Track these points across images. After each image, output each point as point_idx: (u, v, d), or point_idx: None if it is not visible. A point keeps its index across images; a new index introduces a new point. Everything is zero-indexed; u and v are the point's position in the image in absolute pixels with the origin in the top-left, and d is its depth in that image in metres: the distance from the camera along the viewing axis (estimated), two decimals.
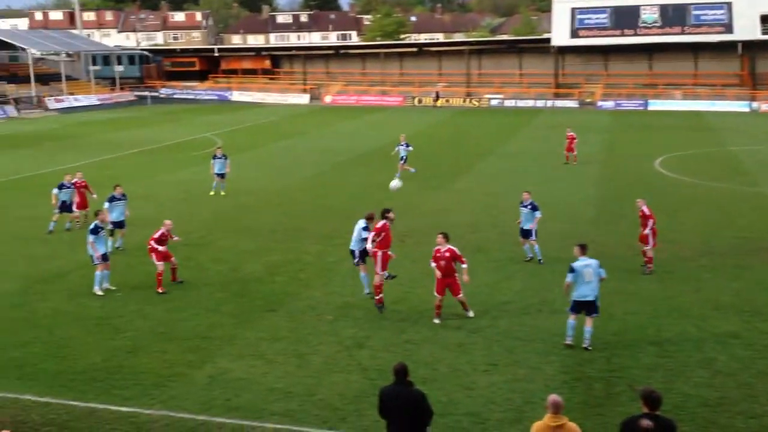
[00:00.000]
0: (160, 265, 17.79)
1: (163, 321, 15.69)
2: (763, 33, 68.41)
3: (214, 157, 29.72)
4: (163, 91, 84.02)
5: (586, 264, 14.26)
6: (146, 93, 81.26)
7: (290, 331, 15.20)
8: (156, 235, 18.25)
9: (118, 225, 21.62)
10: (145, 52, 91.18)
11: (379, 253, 16.37)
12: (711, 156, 39.26)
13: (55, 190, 23.61)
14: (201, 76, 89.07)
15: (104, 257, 17.59)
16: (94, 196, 24.64)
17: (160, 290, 17.53)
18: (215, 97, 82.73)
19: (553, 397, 8.56)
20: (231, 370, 13.30)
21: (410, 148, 33.24)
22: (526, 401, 12.18)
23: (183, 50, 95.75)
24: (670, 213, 25.61)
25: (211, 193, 29.29)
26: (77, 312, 16.19)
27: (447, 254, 15.57)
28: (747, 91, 70.22)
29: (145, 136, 49.49)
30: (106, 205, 21.29)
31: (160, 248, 18.01)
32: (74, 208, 23.88)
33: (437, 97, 75.23)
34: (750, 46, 70.35)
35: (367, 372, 13.26)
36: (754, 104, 67.10)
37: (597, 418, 11.65)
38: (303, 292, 17.61)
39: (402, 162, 32.68)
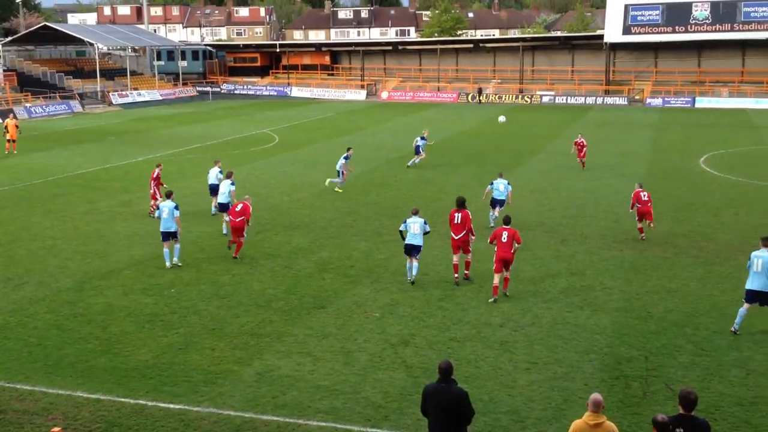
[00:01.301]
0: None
1: (215, 317, 16.03)
2: None
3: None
4: (224, 87, 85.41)
5: (759, 255, 14.73)
6: (208, 88, 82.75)
7: (338, 328, 15.39)
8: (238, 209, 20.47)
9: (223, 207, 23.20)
10: (208, 48, 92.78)
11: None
12: (754, 154, 38.46)
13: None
14: (262, 71, 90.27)
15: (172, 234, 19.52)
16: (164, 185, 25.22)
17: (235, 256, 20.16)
18: (275, 93, 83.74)
19: (595, 396, 8.60)
20: (279, 367, 13.52)
21: (426, 142, 35.67)
22: (565, 399, 12.23)
23: (245, 46, 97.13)
24: (713, 211, 25.50)
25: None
26: (130, 308, 16.64)
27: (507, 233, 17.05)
28: None
29: (204, 132, 50.48)
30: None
31: (237, 220, 20.11)
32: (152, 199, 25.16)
33: (480, 93, 74.82)
34: None
35: (411, 370, 13.37)
36: None
37: (633, 417, 11.70)
38: (351, 289, 17.79)
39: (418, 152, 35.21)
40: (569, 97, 73.29)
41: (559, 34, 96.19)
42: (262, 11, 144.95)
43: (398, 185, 30.97)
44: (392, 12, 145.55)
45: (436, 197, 28.43)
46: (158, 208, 20.95)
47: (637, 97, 72.12)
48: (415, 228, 18.08)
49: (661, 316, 15.86)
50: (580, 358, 13.82)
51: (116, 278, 18.79)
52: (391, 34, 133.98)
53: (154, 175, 25.29)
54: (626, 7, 73.63)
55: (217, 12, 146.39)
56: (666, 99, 69.86)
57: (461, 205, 18.19)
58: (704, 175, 32.64)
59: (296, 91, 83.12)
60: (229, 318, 15.96)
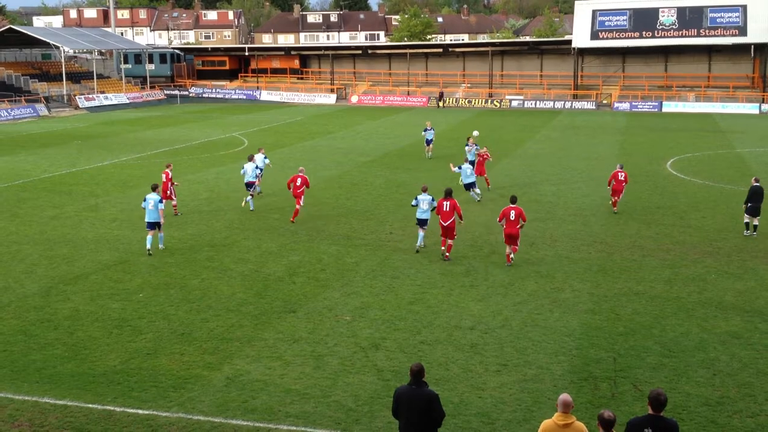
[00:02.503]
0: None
1: (184, 322, 15.89)
2: None
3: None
4: (193, 90, 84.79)
5: None
6: (176, 92, 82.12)
7: (308, 332, 15.35)
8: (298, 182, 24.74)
9: (249, 186, 26.83)
10: (176, 51, 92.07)
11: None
12: (720, 158, 39.14)
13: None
14: (231, 75, 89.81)
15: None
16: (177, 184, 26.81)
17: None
18: (243, 97, 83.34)
19: (564, 396, 8.70)
20: (248, 372, 13.45)
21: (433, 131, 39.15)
22: (535, 401, 12.33)
23: (214, 49, 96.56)
24: (680, 214, 25.99)
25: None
26: (98, 313, 16.43)
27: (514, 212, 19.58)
28: (758, 93, 70.11)
29: (172, 135, 50.07)
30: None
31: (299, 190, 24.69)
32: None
33: (441, 98, 75.27)
34: (762, 48, 70.14)
35: (382, 373, 13.38)
36: (764, 106, 67.05)
37: None
38: (322, 293, 17.76)
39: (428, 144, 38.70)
40: (538, 102, 73.97)
41: (527, 39, 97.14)
42: (231, 15, 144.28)
43: (368, 189, 30.99)
44: (362, 16, 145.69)
45: (406, 201, 28.42)
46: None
47: (605, 102, 73.07)
48: (424, 204, 20.91)
49: (629, 318, 16.06)
50: (550, 360, 13.94)
51: (83, 283, 18.55)
52: (360, 39, 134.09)
53: (170, 177, 25.92)
54: (594, 12, 74.66)
55: (185, 15, 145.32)
56: (633, 103, 70.76)
57: (449, 194, 20.36)
58: (671, 179, 33.13)
59: (265, 95, 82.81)
60: (198, 323, 15.83)
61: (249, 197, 26.82)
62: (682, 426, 11.14)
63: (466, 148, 32.01)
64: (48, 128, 55.70)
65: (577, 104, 72.68)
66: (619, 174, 25.93)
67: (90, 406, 12.13)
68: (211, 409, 12.05)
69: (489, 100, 75.75)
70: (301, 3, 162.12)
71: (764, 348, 14.46)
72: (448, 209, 20.03)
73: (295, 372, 13.44)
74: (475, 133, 34.23)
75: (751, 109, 67.26)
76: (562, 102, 73.36)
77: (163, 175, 26.16)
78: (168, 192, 25.57)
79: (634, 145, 44.61)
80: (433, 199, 20.99)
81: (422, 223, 21.16)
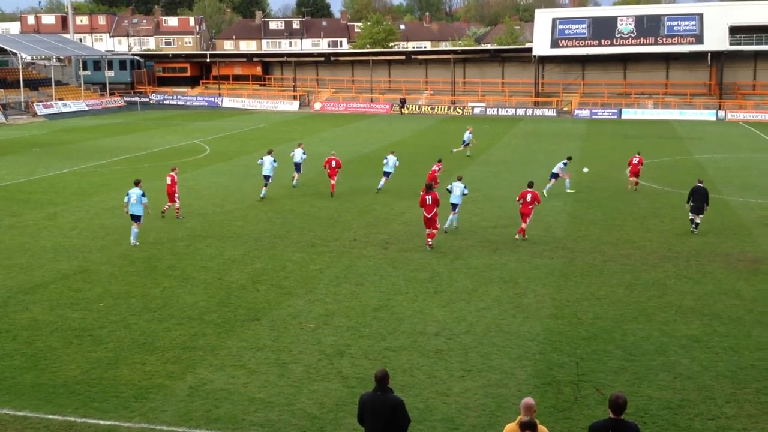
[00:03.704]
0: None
1: (146, 331, 15.66)
2: (732, 44, 69.74)
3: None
4: (153, 97, 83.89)
5: None
6: (136, 99, 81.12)
7: (272, 339, 15.24)
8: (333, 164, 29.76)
9: (266, 178, 29.78)
10: (137, 57, 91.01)
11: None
12: (678, 164, 39.88)
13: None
14: (192, 81, 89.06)
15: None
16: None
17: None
18: (205, 104, 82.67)
19: (527, 400, 8.78)
20: (212, 381, 13.30)
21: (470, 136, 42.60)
22: (499, 406, 12.39)
23: (175, 55, 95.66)
24: (640, 219, 26.43)
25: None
26: (57, 323, 16.11)
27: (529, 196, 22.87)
28: (714, 100, 71.77)
29: (133, 143, 49.42)
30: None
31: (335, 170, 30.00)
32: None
33: (403, 104, 75.61)
34: (718, 56, 71.68)
35: (347, 380, 13.33)
36: (721, 113, 68.73)
37: (566, 422, 11.94)
38: (286, 300, 17.66)
39: (465, 144, 42.01)
40: (500, 109, 74.63)
41: (489, 46, 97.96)
42: (192, 21, 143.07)
43: (331, 196, 30.88)
44: (324, 23, 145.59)
45: (370, 207, 28.50)
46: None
47: (565, 109, 73.99)
48: (456, 191, 24.01)
49: (590, 323, 16.23)
50: (514, 365, 14.03)
51: (42, 293, 18.18)
52: (323, 46, 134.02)
53: (175, 179, 26.26)
54: (554, 20, 75.65)
55: (145, 21, 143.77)
56: (593, 110, 71.80)
57: (429, 188, 22.21)
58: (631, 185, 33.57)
59: (227, 102, 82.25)
60: (160, 332, 15.62)
61: (264, 188, 29.86)
62: (644, 429, 11.31)
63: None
64: (5, 136, 54.58)
65: (539, 111, 73.53)
66: (634, 159, 31.65)
67: (50, 417, 11.88)
68: (173, 419, 11.88)
69: (451, 107, 76.23)
70: (263, 10, 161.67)
71: (723, 351, 14.71)
72: (430, 202, 21.85)
73: (259, 380, 13.33)
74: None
75: (708, 115, 68.75)
76: (524, 109, 74.14)
77: (168, 179, 26.28)
78: (175, 195, 26.11)
79: (594, 151, 45.24)
80: (465, 187, 24.28)
81: (453, 207, 24.20)
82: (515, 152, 44.57)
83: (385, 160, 31.96)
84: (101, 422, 11.75)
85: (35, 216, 26.89)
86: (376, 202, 29.44)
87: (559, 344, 15.01)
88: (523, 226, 23.26)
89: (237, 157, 42.80)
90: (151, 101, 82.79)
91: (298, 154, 32.89)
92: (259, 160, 30.45)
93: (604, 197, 30.43)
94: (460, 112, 74.91)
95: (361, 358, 14.33)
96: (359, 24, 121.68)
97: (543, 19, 76.87)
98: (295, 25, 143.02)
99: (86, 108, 74.45)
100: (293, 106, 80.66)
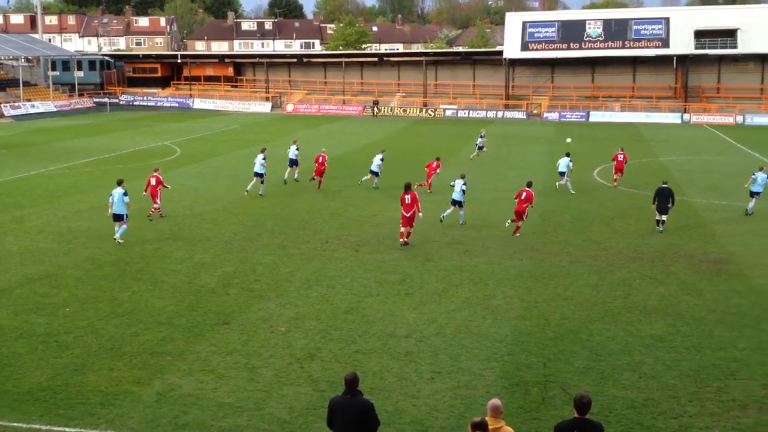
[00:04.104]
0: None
1: (113, 336, 15.51)
2: (697, 48, 70.91)
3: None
4: (123, 98, 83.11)
5: None
6: (105, 100, 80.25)
7: (242, 344, 15.17)
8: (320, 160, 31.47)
9: (257, 176, 31.02)
10: (106, 58, 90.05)
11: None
12: (644, 166, 40.39)
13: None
14: (163, 82, 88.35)
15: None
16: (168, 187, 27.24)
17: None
18: (176, 105, 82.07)
19: (493, 401, 8.87)
20: (180, 386, 13.21)
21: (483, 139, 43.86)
22: (468, 407, 12.46)
23: (145, 56, 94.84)
24: (606, 221, 26.78)
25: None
26: (23, 328, 15.88)
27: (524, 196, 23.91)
28: (680, 103, 72.90)
29: (102, 144, 48.91)
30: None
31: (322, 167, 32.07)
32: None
33: (374, 105, 75.76)
34: (684, 60, 72.88)
35: (317, 384, 13.33)
36: (686, 116, 69.90)
37: (533, 422, 12.07)
38: (256, 304, 17.60)
39: (479, 150, 43.04)
40: (471, 111, 75.07)
41: (460, 49, 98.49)
42: (163, 21, 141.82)
43: (303, 198, 30.87)
44: (297, 24, 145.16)
45: (342, 209, 28.51)
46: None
47: (535, 112, 74.64)
48: (457, 187, 25.34)
49: (558, 323, 16.41)
50: (483, 366, 14.13)
51: (7, 298, 17.91)
52: (295, 47, 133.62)
53: (160, 180, 26.54)
54: (524, 24, 76.39)
55: (115, 21, 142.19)
56: (562, 113, 72.56)
57: (408, 188, 22.54)
58: (598, 187, 34.02)
59: (199, 103, 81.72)
60: (128, 337, 15.48)
61: (251, 184, 31.07)
62: (609, 428, 11.45)
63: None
64: None
65: (509, 114, 74.06)
66: (619, 155, 33.04)
67: (15, 424, 11.73)
68: (141, 426, 11.79)
69: (423, 109, 76.48)
70: (235, 10, 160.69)
71: (686, 350, 14.96)
72: (409, 201, 22.36)
73: (228, 385, 13.28)
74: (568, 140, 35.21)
75: (673, 118, 69.80)
76: (494, 111, 74.67)
77: (153, 179, 26.48)
78: (157, 197, 26.37)
79: (563, 153, 45.52)
80: (464, 184, 25.53)
81: (454, 202, 25.52)
82: (486, 154, 44.78)
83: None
84: (67, 429, 11.62)
85: (1, 219, 26.51)
86: (348, 204, 29.45)
87: (527, 345, 15.15)
88: (516, 224, 24.25)
89: (208, 159, 42.56)
90: (121, 102, 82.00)
91: (292, 151, 34.66)
92: (256, 158, 31.58)
93: (572, 199, 30.73)
94: (432, 114, 75.24)
95: (331, 361, 14.33)
96: (332, 26, 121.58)
97: (513, 22, 77.65)
98: (268, 26, 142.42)
99: (55, 109, 73.50)
100: (265, 107, 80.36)
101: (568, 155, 33.57)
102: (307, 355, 14.60)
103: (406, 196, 22.43)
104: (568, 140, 34.93)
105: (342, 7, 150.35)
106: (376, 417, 9.38)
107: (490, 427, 8.66)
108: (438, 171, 31.99)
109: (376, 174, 33.26)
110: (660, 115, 70.74)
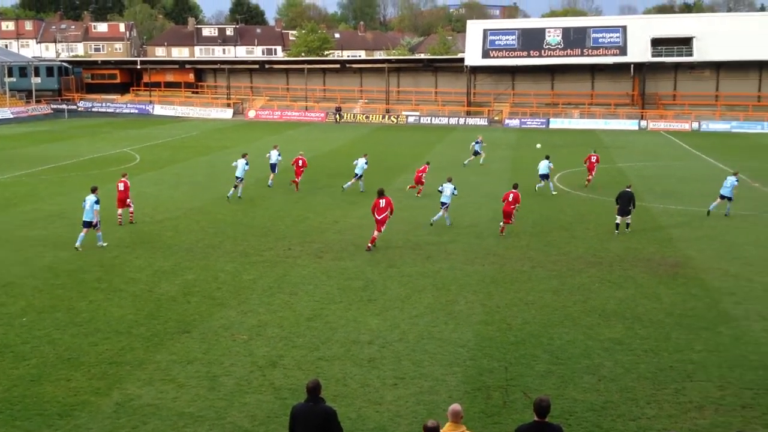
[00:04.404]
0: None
1: (71, 346, 15.25)
2: (654, 55, 72.40)
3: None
4: (82, 104, 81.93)
5: None
6: (63, 106, 79.03)
7: (203, 352, 15.03)
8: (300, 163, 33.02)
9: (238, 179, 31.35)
10: (65, 64, 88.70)
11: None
12: (603, 173, 40.82)
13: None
14: (122, 88, 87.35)
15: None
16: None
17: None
18: (136, 111, 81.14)
19: (454, 407, 8.94)
20: (139, 396, 13.04)
21: (481, 144, 44.33)
22: (430, 413, 12.47)
23: (104, 62, 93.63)
24: (566, 226, 27.14)
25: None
26: None
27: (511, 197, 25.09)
28: (637, 110, 74.31)
29: (60, 151, 48.11)
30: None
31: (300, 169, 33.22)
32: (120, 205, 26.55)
33: (337, 112, 75.83)
34: (641, 67, 74.27)
35: (280, 391, 13.26)
36: (643, 123, 71.32)
37: (494, 426, 12.16)
38: (218, 312, 17.44)
39: (475, 155, 43.37)
40: (433, 118, 75.48)
41: (422, 56, 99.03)
42: (122, 27, 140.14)
43: (266, 205, 30.72)
44: (258, 31, 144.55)
45: (304, 216, 28.42)
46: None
47: (496, 118, 75.32)
48: (446, 191, 26.30)
49: (519, 328, 16.55)
50: (445, 371, 14.18)
51: None
52: (257, 53, 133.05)
53: (128, 185, 26.52)
54: (485, 31, 77.16)
55: (73, 27, 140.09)
56: (523, 120, 73.36)
57: (381, 194, 23.13)
58: (558, 193, 34.41)
59: (159, 109, 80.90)
60: (86, 347, 15.23)
61: (233, 188, 31.55)
62: (569, 431, 11.60)
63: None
64: None
65: (471, 121, 74.65)
66: (592, 157, 35.63)
67: None
68: None
69: (386, 116, 76.69)
70: (196, 16, 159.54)
71: (644, 353, 15.19)
72: (383, 205, 22.90)
73: (188, 394, 13.14)
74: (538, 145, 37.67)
75: (631, 125, 71.07)
76: (456, 118, 75.15)
77: (121, 185, 26.44)
78: (128, 200, 26.40)
79: (523, 160, 46.04)
80: (454, 188, 26.53)
81: (443, 205, 26.49)
82: (447, 161, 45.06)
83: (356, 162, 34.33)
84: None
85: None
86: (310, 211, 29.37)
87: (489, 350, 15.25)
88: (502, 224, 25.27)
89: (168, 166, 42.13)
90: (80, 109, 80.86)
91: (273, 156, 35.24)
92: (234, 163, 32.15)
93: (533, 204, 31.03)
94: (395, 120, 75.49)
95: (294, 368, 14.26)
96: (294, 32, 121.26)
97: (474, 30, 78.40)
98: (229, 32, 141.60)
99: (11, 116, 72.15)
100: (227, 113, 79.84)
101: (547, 158, 34.56)
102: (269, 362, 14.52)
103: (380, 201, 22.90)
104: (538, 146, 35.77)
105: (304, 14, 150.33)
106: (338, 424, 9.37)
107: None
108: (425, 173, 33.20)
109: (359, 177, 33.70)
110: (618, 121, 71.95)
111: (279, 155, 35.46)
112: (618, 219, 25.58)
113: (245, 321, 16.84)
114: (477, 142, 44.57)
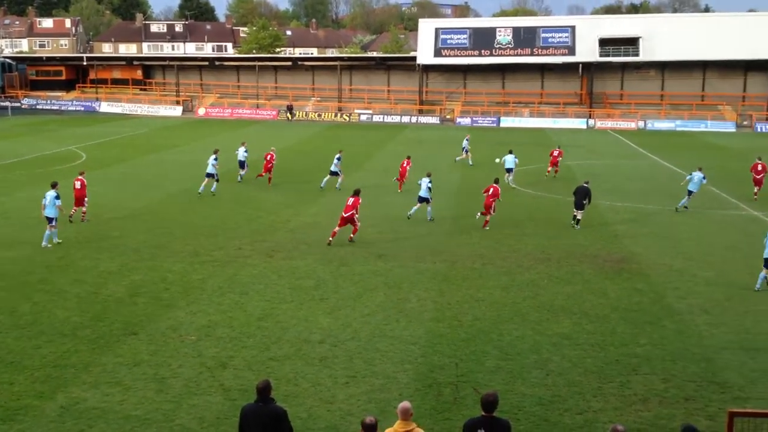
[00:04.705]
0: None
1: (13, 349, 14.86)
2: (601, 55, 73.76)
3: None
4: (26, 102, 79.96)
5: None
6: (6, 103, 76.97)
7: (151, 354, 14.79)
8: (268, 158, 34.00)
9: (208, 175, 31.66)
10: (8, 60, 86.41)
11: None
12: (543, 171, 41.46)
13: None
14: (68, 85, 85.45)
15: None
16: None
17: None
18: (82, 108, 79.49)
19: (403, 404, 8.93)
20: (85, 400, 12.77)
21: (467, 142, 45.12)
22: (382, 411, 12.46)
23: (49, 58, 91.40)
24: (516, 224, 27.53)
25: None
26: None
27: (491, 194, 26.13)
28: (585, 109, 75.60)
29: (3, 150, 46.80)
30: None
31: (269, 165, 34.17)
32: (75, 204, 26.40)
33: (289, 110, 75.54)
34: (589, 67, 75.54)
35: (229, 392, 13.13)
36: (591, 121, 72.61)
37: (445, 422, 12.23)
38: (166, 313, 17.19)
39: (465, 153, 44.00)
40: (386, 116, 75.62)
41: (375, 54, 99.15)
42: (68, 22, 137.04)
43: (216, 204, 30.37)
44: (208, 27, 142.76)
45: (255, 215, 28.19)
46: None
47: (448, 117, 75.79)
48: (423, 185, 26.93)
49: (470, 324, 16.69)
50: (397, 369, 14.22)
51: None
52: (207, 50, 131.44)
53: (85, 183, 26.32)
54: (437, 30, 77.54)
55: (18, 23, 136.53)
56: (474, 118, 74.00)
57: (357, 193, 23.86)
58: (509, 191, 34.65)
59: (106, 107, 79.40)
60: (29, 349, 14.86)
61: (203, 185, 31.68)
62: (517, 425, 11.73)
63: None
64: None
65: (423, 119, 74.97)
66: (555, 152, 38.37)
67: None
68: None
69: (338, 114, 76.55)
70: (144, 12, 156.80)
71: (591, 347, 15.47)
72: (351, 204, 23.44)
73: (135, 397, 12.92)
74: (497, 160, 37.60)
75: (579, 124, 72.32)
76: (409, 116, 75.42)
77: (78, 183, 26.26)
78: (84, 199, 26.25)
79: (474, 158, 46.42)
80: (430, 182, 27.06)
81: (420, 199, 27.10)
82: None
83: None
84: None
85: None
86: (262, 210, 29.15)
87: (440, 347, 15.34)
88: (480, 215, 26.23)
89: (115, 164, 41.36)
90: (23, 106, 78.92)
91: (241, 153, 35.59)
92: (209, 159, 32.13)
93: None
94: (347, 118, 75.40)
95: (244, 369, 14.13)
96: (245, 29, 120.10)
97: (426, 28, 78.70)
98: (178, 28, 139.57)
99: None
100: (176, 111, 78.74)
101: (511, 152, 35.83)
102: (218, 363, 14.36)
103: (350, 199, 23.54)
104: (497, 160, 36.39)
105: (255, 11, 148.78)
106: (289, 424, 9.33)
107: (401, 430, 8.73)
108: (409, 167, 33.96)
109: (336, 174, 33.75)
110: (567, 120, 73.07)
111: (246, 152, 35.70)
112: (575, 212, 26.58)
113: (194, 322, 16.63)
114: (466, 140, 45.54)
